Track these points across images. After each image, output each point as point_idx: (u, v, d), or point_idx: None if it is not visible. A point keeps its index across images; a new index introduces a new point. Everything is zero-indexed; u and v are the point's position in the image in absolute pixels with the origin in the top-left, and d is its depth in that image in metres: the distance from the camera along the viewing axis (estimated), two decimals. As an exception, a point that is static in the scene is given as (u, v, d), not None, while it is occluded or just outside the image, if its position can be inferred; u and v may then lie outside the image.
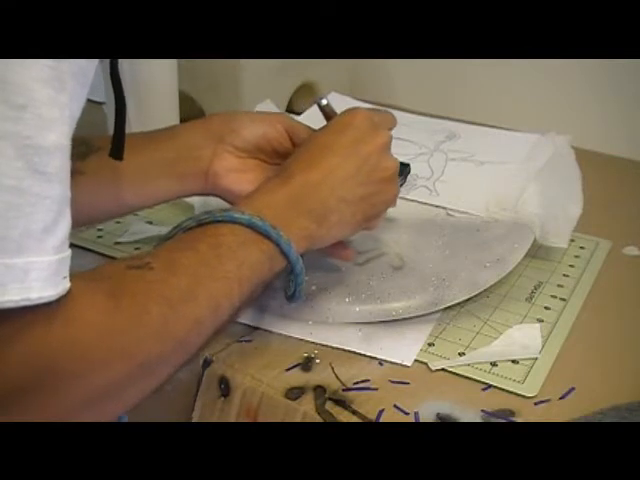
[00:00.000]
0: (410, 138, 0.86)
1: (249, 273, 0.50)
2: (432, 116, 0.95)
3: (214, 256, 0.48)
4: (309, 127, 0.63)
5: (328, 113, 0.63)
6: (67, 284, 0.38)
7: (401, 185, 0.75)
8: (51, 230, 0.37)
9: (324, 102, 0.63)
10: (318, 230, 0.55)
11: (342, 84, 1.10)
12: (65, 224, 0.38)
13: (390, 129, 0.62)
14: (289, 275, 0.55)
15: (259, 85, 0.98)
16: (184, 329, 0.45)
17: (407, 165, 0.79)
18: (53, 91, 0.36)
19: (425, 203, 0.73)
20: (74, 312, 0.39)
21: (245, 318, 0.63)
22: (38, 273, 0.36)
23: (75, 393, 0.40)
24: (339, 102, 0.97)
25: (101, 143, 0.61)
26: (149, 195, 0.64)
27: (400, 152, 0.82)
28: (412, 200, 0.74)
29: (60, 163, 0.37)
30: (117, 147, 0.56)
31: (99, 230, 0.77)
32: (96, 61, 0.41)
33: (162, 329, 0.44)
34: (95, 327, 0.40)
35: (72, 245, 0.39)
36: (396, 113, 0.65)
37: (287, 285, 0.56)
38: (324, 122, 0.63)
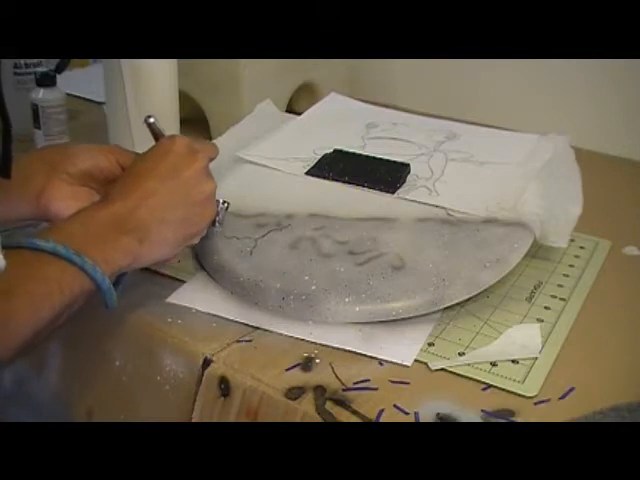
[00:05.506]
0: (410, 138, 0.86)
1: (58, 290, 0.51)
2: (432, 116, 0.95)
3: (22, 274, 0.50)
4: (138, 154, 0.65)
5: (155, 131, 0.64)
6: None
7: (400, 186, 0.76)
8: None
9: (151, 120, 0.64)
10: (140, 248, 0.57)
11: (342, 84, 1.10)
12: None
13: (212, 158, 0.64)
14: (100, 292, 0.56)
15: (259, 85, 0.98)
16: None
17: (407, 165, 0.79)
18: None
19: (425, 203, 0.73)
20: None
21: (245, 318, 0.63)
22: None
23: None
24: (339, 102, 0.98)
25: None
26: None
27: (400, 152, 0.83)
28: (412, 200, 0.74)
29: None
30: (5, 167, 0.56)
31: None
32: None
33: None
34: None
35: None
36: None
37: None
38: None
